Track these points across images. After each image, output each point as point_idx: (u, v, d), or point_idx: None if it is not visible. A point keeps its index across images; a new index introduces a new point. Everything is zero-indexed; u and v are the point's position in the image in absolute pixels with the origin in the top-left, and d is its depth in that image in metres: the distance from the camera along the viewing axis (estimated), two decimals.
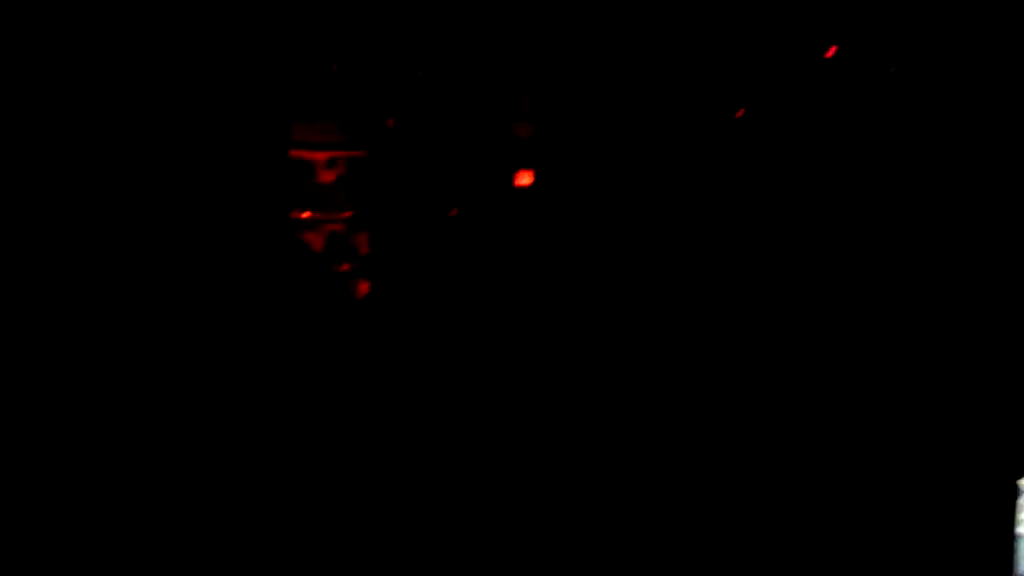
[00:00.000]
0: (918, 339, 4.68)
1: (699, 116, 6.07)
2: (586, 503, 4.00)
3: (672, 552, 3.50)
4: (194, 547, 3.73)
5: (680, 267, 5.73)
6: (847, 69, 5.87)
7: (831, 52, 5.99)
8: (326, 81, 6.04)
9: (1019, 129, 4.74)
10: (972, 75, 5.22)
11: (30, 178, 5.27)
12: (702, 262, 5.74)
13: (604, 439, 4.80)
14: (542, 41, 5.97)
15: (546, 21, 6.01)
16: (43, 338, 4.90)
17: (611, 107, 5.99)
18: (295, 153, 5.87)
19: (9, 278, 4.95)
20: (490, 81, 6.04)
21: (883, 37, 5.54)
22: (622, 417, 4.84)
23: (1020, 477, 3.79)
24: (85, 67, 5.42)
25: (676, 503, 3.81)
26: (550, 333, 5.61)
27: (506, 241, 5.91)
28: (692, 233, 5.85)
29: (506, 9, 6.00)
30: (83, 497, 3.90)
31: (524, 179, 6.04)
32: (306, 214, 5.86)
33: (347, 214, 5.90)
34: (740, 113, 6.27)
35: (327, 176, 5.90)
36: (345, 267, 5.82)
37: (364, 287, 5.82)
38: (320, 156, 5.86)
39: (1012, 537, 3.68)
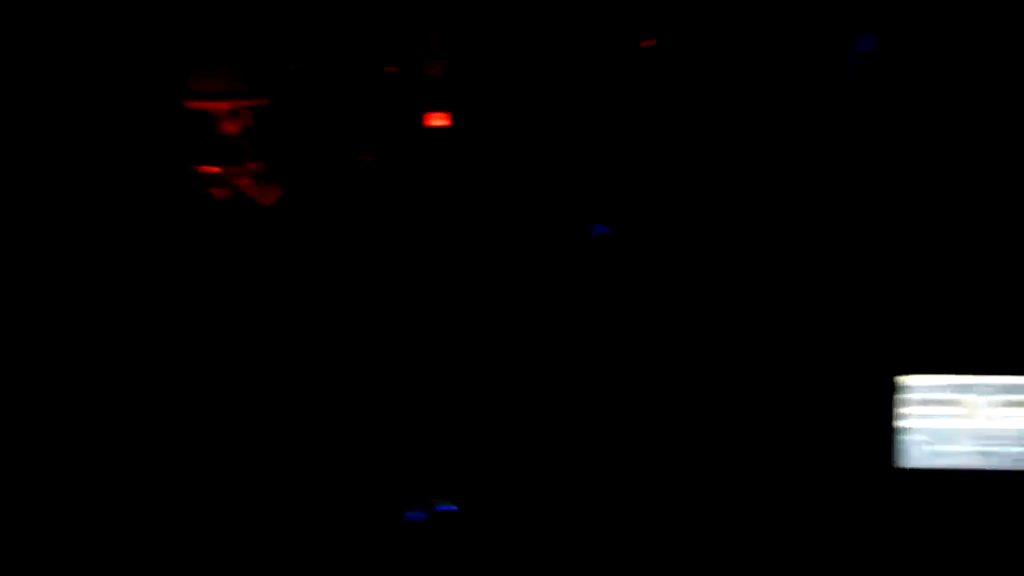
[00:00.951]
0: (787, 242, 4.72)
1: (616, 48, 5.94)
2: (555, 497, 3.93)
3: (663, 552, 3.49)
4: (188, 545, 3.55)
5: (605, 212, 5.64)
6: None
7: None
8: (221, 25, 5.70)
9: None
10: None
11: None
12: (625, 202, 5.66)
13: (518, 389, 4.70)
14: None
15: None
16: None
17: (527, 42, 5.81)
18: (193, 104, 5.51)
19: None
20: (396, 20, 5.79)
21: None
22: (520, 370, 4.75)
23: (899, 374, 3.89)
24: None
25: (650, 500, 3.79)
26: (467, 284, 5.46)
27: (424, 187, 5.72)
28: (613, 174, 5.76)
29: None
30: (74, 497, 3.68)
31: (437, 120, 5.83)
32: (211, 168, 5.53)
33: (254, 166, 5.59)
34: (651, 43, 6.18)
35: (230, 127, 5.57)
36: (255, 221, 5.53)
37: (276, 240, 5.55)
38: (221, 106, 5.52)
39: (892, 430, 3.80)
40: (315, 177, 5.66)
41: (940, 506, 3.53)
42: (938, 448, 3.75)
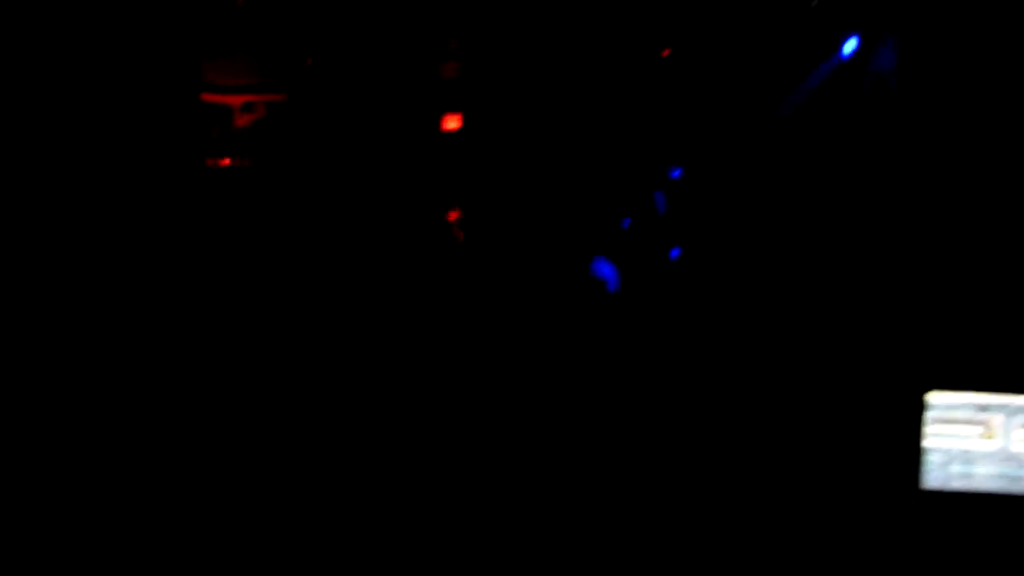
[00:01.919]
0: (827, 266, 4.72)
1: (628, 54, 5.93)
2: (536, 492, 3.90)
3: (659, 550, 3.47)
4: (186, 542, 3.50)
5: (605, 211, 5.62)
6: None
7: None
8: (236, 18, 5.63)
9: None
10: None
11: None
12: (628, 202, 5.63)
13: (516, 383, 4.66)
14: None
15: None
16: None
17: (540, 46, 5.77)
18: (208, 97, 5.46)
19: None
20: (414, 18, 5.73)
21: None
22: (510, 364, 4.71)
23: (927, 392, 3.87)
24: None
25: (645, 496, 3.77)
26: (479, 282, 5.42)
27: (436, 187, 5.67)
28: (623, 172, 5.73)
29: None
30: (71, 496, 3.62)
31: (451, 123, 5.78)
32: (224, 162, 5.48)
33: (267, 160, 5.55)
34: (666, 53, 6.17)
35: (244, 121, 5.52)
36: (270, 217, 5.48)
37: (290, 237, 5.50)
38: (236, 100, 5.47)
39: (919, 451, 3.77)
40: (330, 175, 5.60)
41: (960, 530, 3.47)
42: (960, 469, 3.70)
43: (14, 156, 5.05)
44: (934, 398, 3.75)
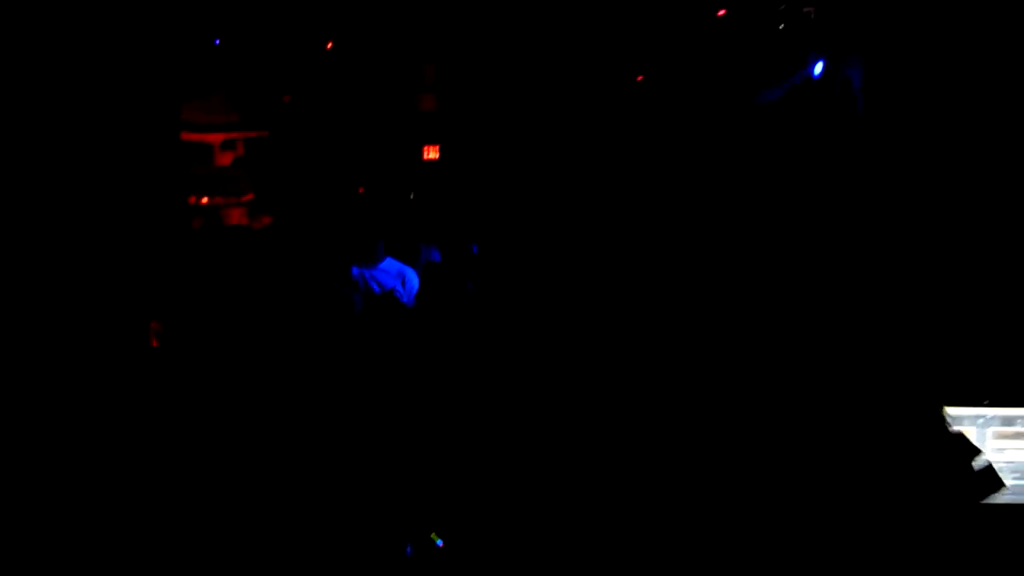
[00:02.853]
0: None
1: (607, 81, 6.02)
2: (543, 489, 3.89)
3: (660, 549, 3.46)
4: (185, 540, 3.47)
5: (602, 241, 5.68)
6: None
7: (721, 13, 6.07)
8: (214, 57, 5.68)
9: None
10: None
11: None
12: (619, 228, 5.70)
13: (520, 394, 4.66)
14: (443, 8, 5.78)
15: None
16: None
17: (517, 76, 5.86)
18: (188, 136, 5.49)
19: None
20: (391, 49, 5.80)
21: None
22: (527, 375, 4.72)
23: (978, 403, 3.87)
24: None
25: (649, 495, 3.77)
26: (473, 311, 5.44)
27: (422, 219, 5.71)
28: (614, 200, 5.81)
29: None
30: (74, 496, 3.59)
31: (432, 153, 5.85)
32: (204, 200, 5.50)
33: (248, 197, 5.57)
34: (640, 78, 6.27)
35: (224, 159, 5.55)
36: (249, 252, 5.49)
37: (271, 271, 5.51)
38: (216, 138, 5.51)
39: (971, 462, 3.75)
40: (309, 209, 5.63)
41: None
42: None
43: (4, 193, 5.05)
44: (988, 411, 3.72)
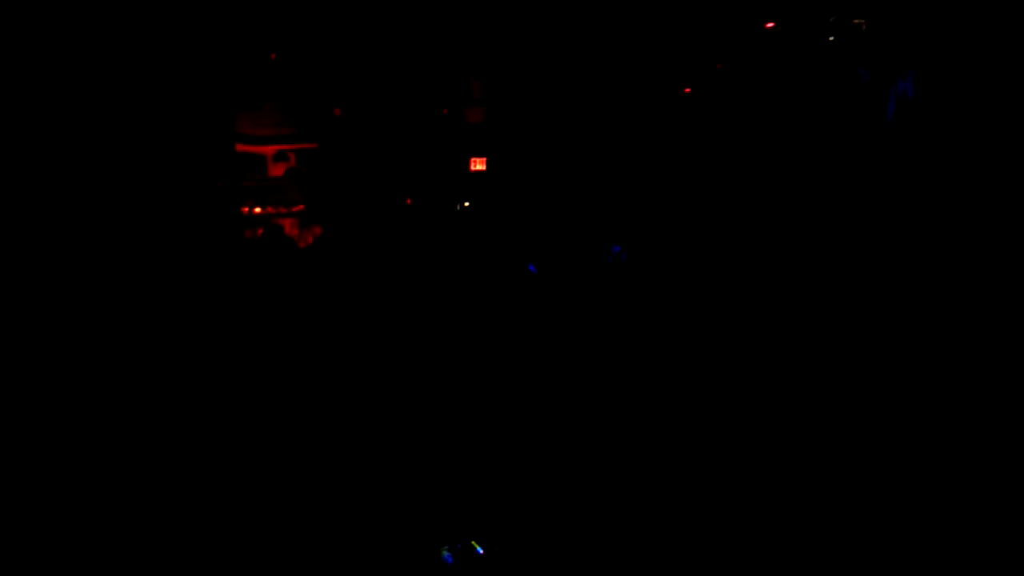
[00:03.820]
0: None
1: (646, 93, 6.08)
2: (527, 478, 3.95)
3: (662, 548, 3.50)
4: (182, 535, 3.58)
5: (637, 246, 5.73)
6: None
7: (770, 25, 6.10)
8: (268, 71, 5.85)
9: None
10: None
11: None
12: (654, 238, 5.75)
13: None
14: (490, 23, 5.88)
15: (493, 3, 5.92)
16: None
17: (561, 87, 5.94)
18: (242, 147, 5.66)
19: None
20: (438, 64, 5.92)
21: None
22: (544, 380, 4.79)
23: None
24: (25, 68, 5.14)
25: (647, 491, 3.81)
26: (511, 321, 5.54)
27: (467, 231, 5.81)
28: (649, 212, 5.86)
29: None
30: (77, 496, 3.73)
31: (479, 165, 5.96)
32: (257, 210, 5.66)
33: (299, 207, 5.72)
34: (687, 91, 6.30)
35: (276, 170, 5.71)
36: (299, 262, 5.64)
37: (320, 281, 5.65)
38: (268, 150, 5.67)
39: None
40: (358, 220, 5.77)
41: None
42: None
43: (64, 204, 5.26)
44: None
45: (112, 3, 5.49)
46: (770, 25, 6.22)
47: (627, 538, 3.54)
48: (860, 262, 4.83)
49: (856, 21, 5.97)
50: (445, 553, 3.94)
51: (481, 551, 3.68)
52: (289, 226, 5.69)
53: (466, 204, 5.83)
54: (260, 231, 5.73)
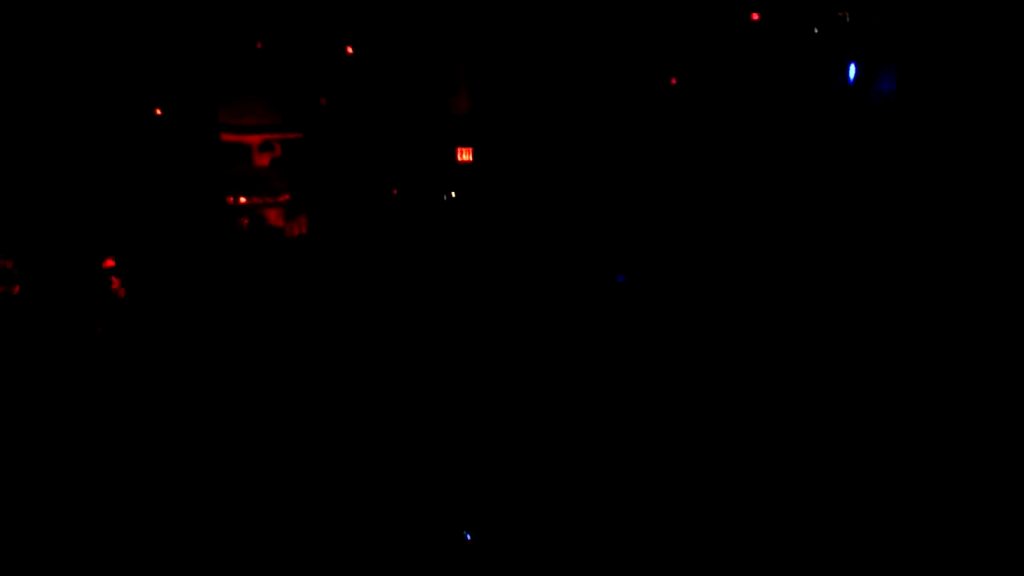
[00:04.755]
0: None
1: (634, 85, 6.06)
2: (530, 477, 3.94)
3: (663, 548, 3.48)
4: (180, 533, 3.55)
5: (624, 240, 5.72)
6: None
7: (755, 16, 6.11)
8: (253, 61, 5.82)
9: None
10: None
11: None
12: (642, 231, 5.74)
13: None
14: (477, 13, 5.86)
15: None
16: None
17: (546, 79, 5.92)
18: (227, 137, 5.63)
19: None
20: (423, 52, 5.90)
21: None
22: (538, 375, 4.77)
23: None
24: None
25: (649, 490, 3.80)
26: (499, 314, 5.51)
27: (453, 221, 5.79)
28: (636, 204, 5.85)
29: None
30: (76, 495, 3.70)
31: (465, 155, 5.94)
32: (242, 199, 5.62)
33: (284, 197, 5.69)
34: (673, 81, 6.30)
35: (262, 160, 5.68)
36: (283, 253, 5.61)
37: (305, 271, 5.62)
38: (254, 139, 5.64)
39: None
40: (344, 209, 5.74)
41: None
42: None
43: (52, 197, 5.22)
44: None
45: None
46: (755, 16, 6.22)
47: (627, 537, 3.52)
48: (847, 255, 4.84)
49: (840, 13, 5.99)
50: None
51: (469, 537, 3.67)
52: (274, 216, 5.66)
53: (452, 195, 5.80)
54: (246, 221, 5.70)
